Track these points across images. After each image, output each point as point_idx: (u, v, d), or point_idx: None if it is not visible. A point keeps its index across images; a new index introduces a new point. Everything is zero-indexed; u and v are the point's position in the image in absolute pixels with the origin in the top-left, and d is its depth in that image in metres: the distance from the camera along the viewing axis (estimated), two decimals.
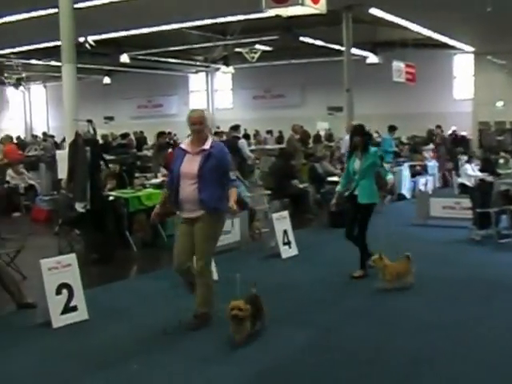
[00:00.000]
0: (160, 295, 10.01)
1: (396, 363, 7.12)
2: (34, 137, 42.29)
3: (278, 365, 7.20)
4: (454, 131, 31.85)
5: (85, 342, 8.08)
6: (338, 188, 11.37)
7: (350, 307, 9.38)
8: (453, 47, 33.98)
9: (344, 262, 11.81)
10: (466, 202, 15.01)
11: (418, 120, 33.53)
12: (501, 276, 10.99)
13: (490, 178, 15.98)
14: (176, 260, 8.30)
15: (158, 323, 8.44)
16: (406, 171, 21.70)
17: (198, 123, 8.17)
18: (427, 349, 7.56)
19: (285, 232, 12.68)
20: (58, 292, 8.70)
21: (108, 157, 18.19)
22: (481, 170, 17.46)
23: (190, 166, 8.13)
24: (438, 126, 27.23)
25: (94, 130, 13.55)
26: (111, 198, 13.62)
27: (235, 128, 21.94)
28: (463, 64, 37.09)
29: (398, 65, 28.62)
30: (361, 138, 10.86)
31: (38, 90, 54.66)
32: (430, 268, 11.45)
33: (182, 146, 8.43)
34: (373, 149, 11.18)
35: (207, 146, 8.16)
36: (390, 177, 11.43)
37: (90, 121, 13.49)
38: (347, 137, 18.43)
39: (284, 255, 12.51)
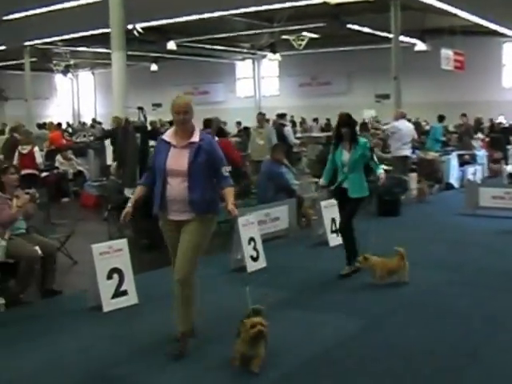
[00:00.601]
0: (208, 281, 10.05)
1: (449, 354, 7.11)
2: (82, 124, 42.71)
3: (326, 352, 7.23)
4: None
5: (134, 326, 8.21)
6: (322, 181, 10.84)
7: (398, 297, 9.37)
8: (502, 35, 33.55)
9: (390, 250, 11.81)
10: None
11: (466, 108, 33.15)
12: None
13: None
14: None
15: (205, 308, 8.51)
16: (454, 160, 21.50)
17: (183, 112, 6.92)
18: (475, 340, 7.55)
19: (333, 220, 12.67)
20: (109, 277, 8.82)
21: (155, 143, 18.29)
22: None
23: (178, 161, 6.92)
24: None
25: (145, 116, 13.66)
26: None
27: (282, 116, 22.02)
28: None
29: (447, 52, 28.43)
30: (348, 128, 10.13)
31: (85, 77, 55.17)
32: (478, 258, 11.43)
33: (165, 137, 7.09)
34: (362, 140, 10.45)
35: (196, 138, 6.97)
36: (380, 171, 10.39)
37: (140, 108, 13.63)
38: (395, 123, 18.41)
39: (332, 243, 12.50)
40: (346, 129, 10.12)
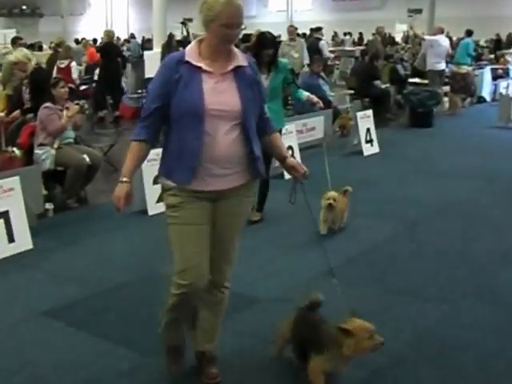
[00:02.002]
0: None
1: (480, 257, 7.49)
2: (117, 39, 42.79)
3: (364, 252, 7.67)
4: None
5: None
6: None
7: (432, 204, 9.69)
8: None
9: (423, 159, 12.18)
10: None
11: (500, 23, 32.96)
12: None
13: None
14: (193, 272, 4.48)
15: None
16: (487, 74, 21.58)
17: (237, 25, 4.31)
18: (507, 244, 7.90)
19: (368, 130, 13.00)
20: (155, 182, 9.24)
21: None
22: None
23: (224, 96, 4.31)
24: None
25: (187, 31, 13.86)
26: None
27: (317, 30, 22.09)
28: None
29: None
30: (273, 50, 8.26)
31: None
32: (505, 163, 11.88)
33: (189, 59, 4.31)
34: (283, 61, 8.75)
35: (242, 60, 4.45)
36: (304, 95, 8.84)
37: (183, 23, 13.83)
38: (435, 37, 18.55)
39: (366, 153, 12.89)
40: (269, 51, 8.19)
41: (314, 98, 8.78)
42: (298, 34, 22.51)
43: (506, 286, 6.61)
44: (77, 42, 29.13)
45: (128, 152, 4.37)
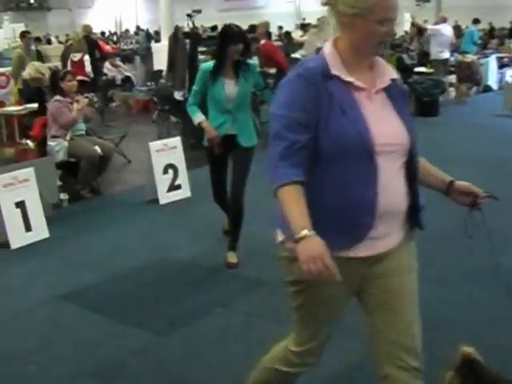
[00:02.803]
0: (254, 176, 10.68)
1: (480, 240, 7.67)
2: (125, 31, 43.03)
3: None
4: None
5: (188, 216, 8.99)
6: (207, 124, 6.85)
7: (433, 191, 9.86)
8: None
9: (429, 147, 12.31)
10: None
11: (507, 11, 33.00)
12: None
13: None
14: (317, 351, 3.42)
15: (252, 200, 9.12)
16: (492, 63, 21.71)
17: (393, 20, 3.04)
18: (509, 228, 8.10)
19: None
20: (165, 172, 9.53)
21: (200, 49, 18.83)
22: None
23: (388, 125, 3.12)
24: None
25: (193, 23, 14.12)
26: None
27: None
28: None
29: None
30: (243, 47, 6.79)
31: None
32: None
33: (337, 72, 3.05)
34: (253, 62, 7.40)
35: (393, 71, 3.26)
36: None
37: (189, 15, 14.09)
38: (437, 26, 18.72)
39: None
40: (239, 46, 6.74)
41: None
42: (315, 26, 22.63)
43: (504, 270, 6.80)
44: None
45: (284, 202, 2.92)
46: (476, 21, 23.11)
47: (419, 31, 21.93)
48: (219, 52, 6.84)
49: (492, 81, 21.47)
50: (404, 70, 18.70)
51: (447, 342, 4.49)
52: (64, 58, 18.04)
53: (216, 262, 7.18)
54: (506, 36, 28.10)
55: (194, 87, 6.96)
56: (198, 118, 6.88)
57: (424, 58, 20.17)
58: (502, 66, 22.37)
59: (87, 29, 18.52)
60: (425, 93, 16.26)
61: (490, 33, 29.76)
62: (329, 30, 18.28)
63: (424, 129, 14.33)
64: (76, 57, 16.88)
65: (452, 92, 19.14)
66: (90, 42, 18.35)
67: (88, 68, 17.13)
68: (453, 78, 19.36)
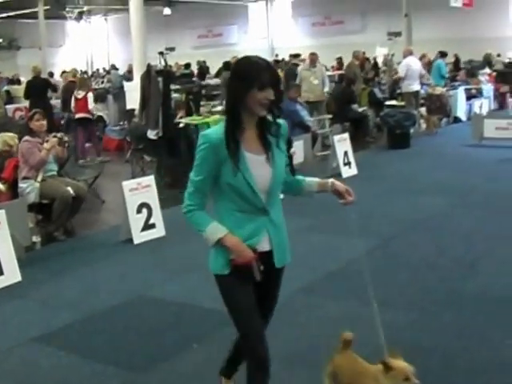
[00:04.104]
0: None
1: (450, 267, 7.87)
2: (96, 70, 43.08)
3: (342, 267, 8.03)
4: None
5: (163, 255, 8.97)
6: (234, 239, 3.97)
7: (405, 220, 10.05)
8: None
9: (400, 178, 12.55)
10: None
11: (475, 44, 33.40)
12: None
13: None
14: None
15: None
16: (461, 94, 22.03)
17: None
18: (475, 254, 8.28)
19: (345, 153, 13.37)
20: (139, 211, 9.50)
21: (173, 86, 18.90)
22: None
23: None
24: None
25: (165, 61, 14.18)
26: (182, 125, 14.21)
27: (295, 56, 22.55)
28: None
29: None
30: (277, 92, 3.93)
31: (99, 23, 55.22)
32: (481, 184, 12.22)
33: None
34: (282, 121, 4.21)
35: None
36: (314, 180, 4.56)
37: (161, 53, 14.17)
38: (405, 60, 18.93)
39: (344, 175, 13.16)
40: (268, 93, 3.88)
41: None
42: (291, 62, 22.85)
43: (471, 294, 6.94)
44: (51, 74, 29.24)
45: None
46: (443, 54, 23.42)
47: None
48: (234, 104, 3.94)
49: (461, 112, 21.76)
50: (376, 103, 18.91)
51: (423, 368, 4.53)
52: (64, 95, 18.07)
53: (192, 299, 7.20)
54: (477, 67, 28.38)
55: (194, 176, 3.96)
56: (214, 230, 3.96)
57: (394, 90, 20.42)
58: (470, 97, 22.68)
59: (36, 69, 18.66)
60: (396, 125, 16.44)
61: (456, 65, 30.12)
62: (319, 65, 18.54)
63: (396, 161, 14.61)
64: (80, 94, 16.91)
65: (423, 124, 19.33)
66: (42, 83, 18.42)
67: (91, 105, 17.14)
68: (423, 110, 19.57)
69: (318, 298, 7.09)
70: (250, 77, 3.86)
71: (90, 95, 17.24)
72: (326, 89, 17.98)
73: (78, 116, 16.90)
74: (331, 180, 4.40)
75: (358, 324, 5.97)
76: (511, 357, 5.55)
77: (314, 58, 18.43)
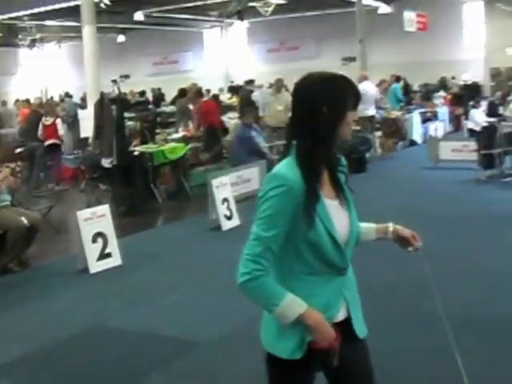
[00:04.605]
0: (185, 241, 10.75)
1: (409, 288, 7.90)
2: (50, 98, 42.74)
3: None
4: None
5: (120, 284, 8.84)
6: (317, 315, 3.09)
7: (366, 243, 9.97)
8: None
9: (356, 203, 12.53)
10: (473, 144, 15.71)
11: (430, 68, 33.82)
12: (504, 211, 11.80)
13: (494, 122, 16.55)
14: None
15: (184, 264, 9.20)
16: (416, 118, 22.32)
17: None
18: (436, 274, 8.27)
19: None
20: (94, 240, 9.40)
21: (128, 114, 18.84)
22: (487, 115, 17.97)
23: None
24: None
25: (119, 89, 14.15)
26: (136, 153, 14.17)
27: (250, 82, 22.65)
28: (474, 11, 37.32)
29: (409, 14, 29.06)
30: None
31: (52, 51, 54.85)
32: (439, 205, 12.30)
33: None
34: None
35: None
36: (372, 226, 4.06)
37: (114, 81, 14.15)
38: (360, 85, 19.05)
39: None
40: (355, 114, 3.25)
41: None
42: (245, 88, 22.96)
43: (429, 314, 6.94)
44: (3, 103, 29.05)
45: None
46: (398, 78, 23.69)
47: None
48: (326, 134, 3.13)
49: (417, 135, 22.06)
50: None
51: None
52: (31, 123, 17.92)
53: (149, 327, 7.12)
54: (432, 91, 28.75)
55: (263, 230, 3.05)
56: (292, 303, 3.04)
57: None
58: (425, 120, 22.97)
59: None
60: (352, 150, 16.49)
61: (405, 89, 30.47)
62: (285, 91, 18.64)
63: (352, 185, 14.48)
64: (48, 121, 16.79)
65: (378, 148, 19.48)
66: None
67: (61, 131, 17.02)
68: (379, 134, 19.71)
69: None
70: (344, 95, 3.14)
71: (59, 121, 17.17)
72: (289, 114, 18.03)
73: (47, 143, 16.82)
74: (391, 225, 3.77)
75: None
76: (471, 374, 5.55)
77: (279, 84, 18.54)
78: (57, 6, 28.43)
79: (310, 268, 3.12)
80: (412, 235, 3.71)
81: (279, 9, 34.48)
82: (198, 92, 19.20)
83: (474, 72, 33.52)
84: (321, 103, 3.08)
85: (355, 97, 3.18)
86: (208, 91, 33.42)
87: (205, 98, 19.78)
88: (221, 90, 28.93)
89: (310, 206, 3.05)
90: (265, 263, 3.02)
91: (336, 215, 3.22)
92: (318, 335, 3.03)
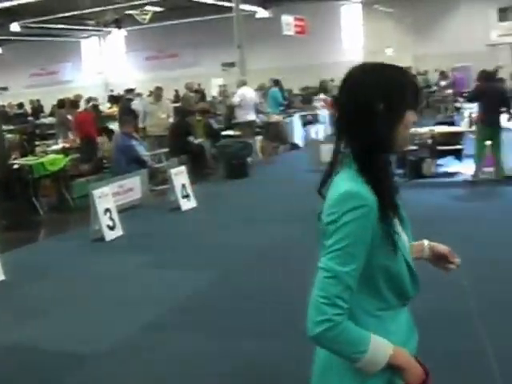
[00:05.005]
0: (69, 254, 10.67)
1: (296, 294, 7.89)
2: None
3: (184, 301, 8.02)
4: None
5: (5, 300, 8.69)
6: (407, 356, 2.61)
7: (251, 249, 10.17)
8: None
9: (239, 208, 12.74)
10: None
11: (311, 71, 34.37)
12: None
13: None
14: None
15: (68, 277, 9.16)
16: (297, 121, 22.65)
17: None
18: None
19: (183, 186, 13.35)
20: None
21: (7, 127, 18.55)
22: None
23: None
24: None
25: None
26: (16, 166, 13.96)
27: (129, 91, 22.63)
28: (352, 13, 38.12)
29: (287, 18, 29.45)
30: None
31: None
32: (320, 205, 12.41)
33: None
34: None
35: None
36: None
37: None
38: (239, 91, 19.25)
39: (184, 207, 13.17)
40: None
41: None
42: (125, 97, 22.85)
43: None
44: None
45: None
46: (276, 82, 23.97)
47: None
48: (386, 139, 2.60)
49: (298, 138, 22.30)
50: (212, 134, 19.10)
51: None
52: None
53: (37, 343, 7.03)
54: (313, 94, 29.20)
55: (341, 265, 2.49)
56: (379, 345, 2.53)
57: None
58: (306, 123, 23.29)
59: None
60: (233, 155, 16.66)
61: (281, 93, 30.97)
62: (166, 100, 18.64)
63: (236, 191, 14.79)
64: None
65: (260, 153, 19.65)
66: None
67: None
68: (260, 139, 19.89)
69: (163, 335, 7.03)
70: (404, 91, 2.59)
71: None
72: (171, 120, 18.20)
73: None
74: (426, 242, 3.06)
75: (208, 358, 6.08)
76: None
77: (158, 92, 18.60)
78: None
79: (384, 303, 2.62)
80: (449, 251, 3.03)
81: (157, 16, 34.51)
82: (72, 103, 19.14)
83: None
84: (377, 98, 2.53)
85: (416, 95, 2.64)
86: (88, 101, 33.13)
87: (80, 109, 19.75)
88: (95, 99, 28.58)
89: (391, 230, 2.55)
90: (344, 305, 2.45)
91: (406, 243, 2.72)
92: (409, 375, 2.56)
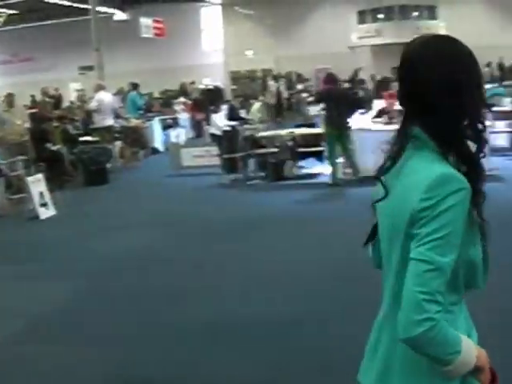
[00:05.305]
0: None
1: (162, 298, 7.64)
2: None
3: (45, 313, 7.59)
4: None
5: None
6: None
7: (114, 255, 9.87)
8: (200, 0, 34.93)
9: (101, 215, 12.44)
10: (215, 149, 15.97)
11: (171, 74, 34.18)
12: (245, 212, 12.06)
13: (235, 126, 16.83)
14: None
15: None
16: (156, 125, 22.44)
17: None
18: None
19: (41, 194, 12.92)
20: None
21: None
22: (228, 119, 18.28)
23: None
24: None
25: None
26: None
27: None
28: (212, 16, 38.15)
29: (146, 21, 29.24)
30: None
31: None
32: (184, 211, 12.40)
33: None
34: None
35: None
36: None
37: None
38: (98, 95, 18.77)
39: (42, 216, 12.74)
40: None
41: None
42: None
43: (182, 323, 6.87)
44: None
45: None
46: (135, 86, 23.63)
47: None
48: (475, 115, 2.35)
49: (158, 143, 22.14)
50: (70, 140, 18.52)
51: None
52: None
53: None
54: (172, 97, 29.09)
55: (441, 255, 2.15)
56: (469, 345, 2.26)
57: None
58: (166, 127, 23.11)
59: None
60: (92, 161, 16.20)
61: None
62: (19, 105, 18.06)
63: (96, 197, 14.38)
64: None
65: (119, 158, 19.27)
66: None
67: None
68: (119, 144, 19.48)
69: (22, 348, 6.62)
70: (478, 68, 2.37)
71: None
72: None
73: None
74: None
75: (68, 371, 5.74)
76: None
77: (10, 98, 18.16)
78: None
79: (457, 296, 2.37)
80: None
81: (12, 19, 33.52)
82: None
83: (214, 76, 34.28)
84: (458, 70, 2.29)
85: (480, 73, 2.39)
86: None
87: None
88: None
89: (482, 214, 2.34)
90: (443, 301, 2.17)
91: None
92: (484, 376, 2.32)
